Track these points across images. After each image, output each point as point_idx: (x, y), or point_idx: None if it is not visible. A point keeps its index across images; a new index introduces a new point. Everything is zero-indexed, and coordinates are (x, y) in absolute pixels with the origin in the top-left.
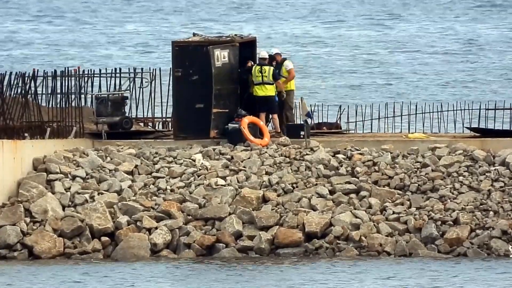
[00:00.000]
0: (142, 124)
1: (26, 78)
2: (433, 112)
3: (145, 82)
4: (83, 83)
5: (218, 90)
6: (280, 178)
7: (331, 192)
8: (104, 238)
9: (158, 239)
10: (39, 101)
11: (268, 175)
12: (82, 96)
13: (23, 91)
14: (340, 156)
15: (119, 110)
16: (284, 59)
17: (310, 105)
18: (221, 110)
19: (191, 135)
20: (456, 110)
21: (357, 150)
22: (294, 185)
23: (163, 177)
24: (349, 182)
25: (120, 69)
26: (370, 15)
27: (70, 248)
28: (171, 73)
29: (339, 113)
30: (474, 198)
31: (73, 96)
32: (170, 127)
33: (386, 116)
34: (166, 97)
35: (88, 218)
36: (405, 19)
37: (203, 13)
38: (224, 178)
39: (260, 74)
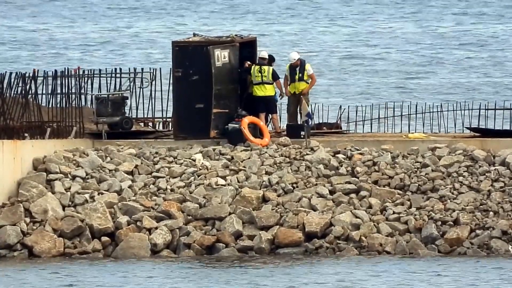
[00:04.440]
0: (142, 124)
1: (26, 78)
2: (433, 112)
3: (145, 82)
4: (83, 83)
5: (218, 90)
6: (280, 178)
7: (331, 192)
8: (104, 238)
9: (158, 239)
10: (39, 101)
11: (268, 175)
12: (82, 96)
13: (23, 91)
14: (340, 156)
15: (119, 110)
16: (305, 62)
17: (311, 105)
18: (221, 110)
19: (191, 135)
20: (456, 110)
21: (357, 150)
22: (294, 185)
23: (163, 177)
24: (349, 182)
25: (120, 69)
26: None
27: (70, 248)
28: (171, 73)
29: (339, 113)
30: (474, 198)
31: (73, 96)
32: (170, 127)
33: (386, 116)
34: (166, 97)
35: (88, 218)
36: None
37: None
38: (224, 178)
39: (260, 74)
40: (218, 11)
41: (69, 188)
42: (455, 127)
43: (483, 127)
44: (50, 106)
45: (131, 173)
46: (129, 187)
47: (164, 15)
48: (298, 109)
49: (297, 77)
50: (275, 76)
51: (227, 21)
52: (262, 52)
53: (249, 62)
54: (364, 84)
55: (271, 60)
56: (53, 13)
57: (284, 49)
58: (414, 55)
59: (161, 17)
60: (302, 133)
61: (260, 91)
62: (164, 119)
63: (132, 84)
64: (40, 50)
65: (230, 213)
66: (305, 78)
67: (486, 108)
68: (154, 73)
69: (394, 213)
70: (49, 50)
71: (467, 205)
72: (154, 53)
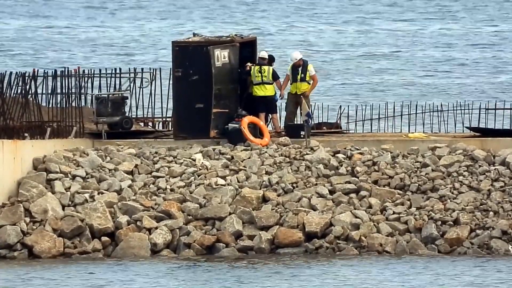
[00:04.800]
0: (142, 124)
1: (26, 78)
2: (433, 111)
3: (145, 82)
4: (83, 83)
5: (218, 90)
6: (280, 178)
7: (331, 192)
8: (104, 238)
9: (158, 239)
10: (39, 101)
11: (268, 175)
12: (82, 96)
13: (23, 91)
14: (340, 155)
15: (119, 110)
16: (307, 62)
17: (311, 105)
18: (221, 110)
19: (191, 135)
20: (456, 110)
21: (357, 149)
22: (294, 185)
23: (163, 177)
24: (349, 182)
25: (120, 69)
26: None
27: (70, 248)
28: (171, 73)
29: (339, 113)
30: (474, 198)
31: (73, 96)
32: (170, 127)
33: (386, 116)
34: (166, 97)
35: (88, 218)
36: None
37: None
38: (224, 178)
39: (260, 74)
40: (225, 11)
41: (69, 187)
42: (455, 127)
43: (483, 126)
44: (50, 106)
45: (131, 172)
46: (129, 186)
47: (170, 15)
48: (298, 109)
49: (299, 77)
50: (275, 76)
51: (233, 20)
52: (262, 52)
53: (250, 64)
54: (371, 83)
55: (271, 60)
56: (58, 12)
57: (290, 49)
58: (422, 55)
59: (168, 17)
60: (302, 133)
61: (260, 91)
62: (164, 119)
63: (132, 84)
64: (44, 50)
65: (230, 213)
66: (307, 78)
67: (486, 108)
68: (154, 73)
69: (394, 213)
70: (52, 49)
71: (467, 205)
72: (160, 54)
